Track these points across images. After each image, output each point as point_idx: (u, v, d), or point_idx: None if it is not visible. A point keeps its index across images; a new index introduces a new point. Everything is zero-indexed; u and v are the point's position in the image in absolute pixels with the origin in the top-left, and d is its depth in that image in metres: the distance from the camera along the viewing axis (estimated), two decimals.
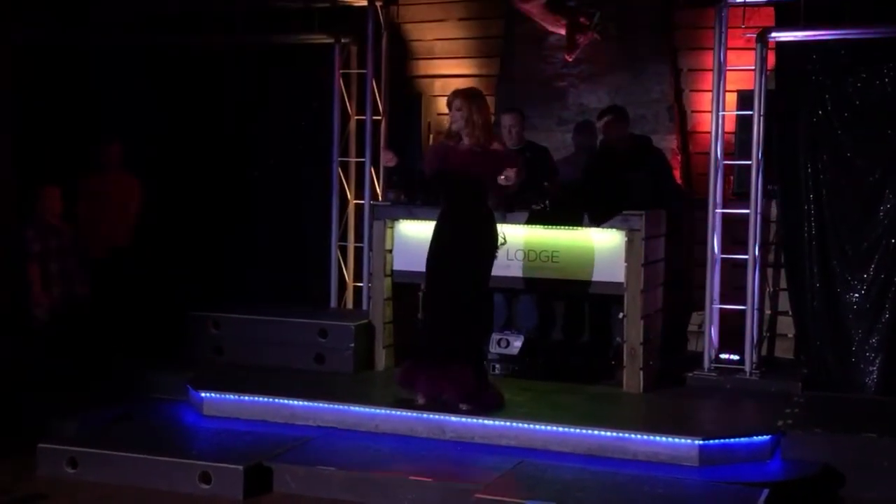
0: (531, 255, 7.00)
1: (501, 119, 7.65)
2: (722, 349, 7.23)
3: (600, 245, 6.87)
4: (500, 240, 6.85)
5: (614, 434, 5.93)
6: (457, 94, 6.36)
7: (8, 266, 7.54)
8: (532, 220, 6.95)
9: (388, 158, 6.51)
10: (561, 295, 7.43)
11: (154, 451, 5.82)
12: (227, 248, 8.78)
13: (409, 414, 6.27)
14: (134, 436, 6.20)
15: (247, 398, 6.63)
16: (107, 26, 8.83)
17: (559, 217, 6.89)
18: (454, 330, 6.28)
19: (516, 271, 7.02)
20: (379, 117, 8.24)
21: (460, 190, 6.30)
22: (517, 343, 7.19)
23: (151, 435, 6.25)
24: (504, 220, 6.87)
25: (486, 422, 6.14)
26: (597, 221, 6.78)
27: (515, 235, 6.99)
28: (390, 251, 7.22)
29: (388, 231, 7.21)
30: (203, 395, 6.71)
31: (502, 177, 6.17)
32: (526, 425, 6.09)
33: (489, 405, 6.30)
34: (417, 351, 6.62)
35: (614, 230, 6.78)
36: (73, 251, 7.75)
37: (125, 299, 8.04)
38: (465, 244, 6.29)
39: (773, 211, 7.58)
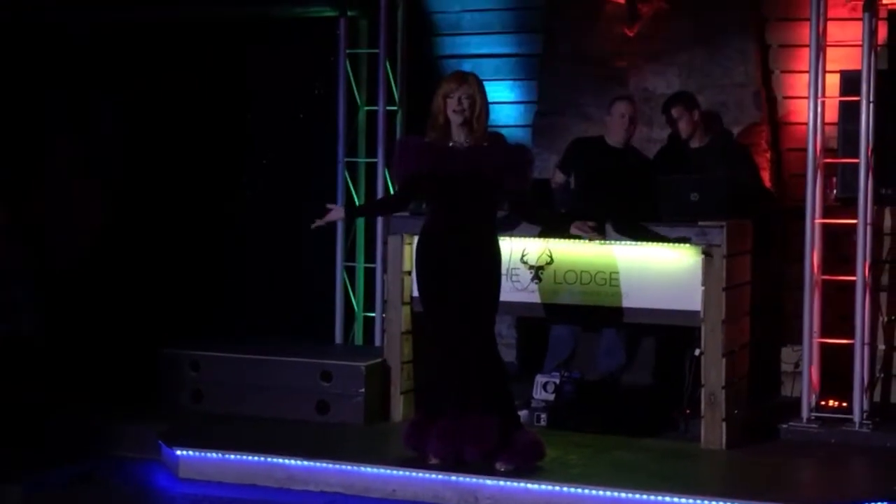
0: (584, 278, 6.99)
1: (613, 109, 7.59)
2: (824, 394, 7.19)
3: (671, 265, 6.85)
4: (546, 259, 6.87)
5: (690, 500, 5.92)
6: (464, 77, 6.24)
7: None
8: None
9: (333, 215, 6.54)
10: (621, 327, 7.40)
11: None
12: (210, 269, 8.85)
13: (434, 476, 6.25)
14: (94, 503, 6.23)
15: (232, 457, 6.65)
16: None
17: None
18: (470, 372, 6.23)
19: (566, 298, 7.03)
20: (395, 107, 8.29)
21: (466, 199, 6.21)
22: (569, 388, 7.24)
23: (115, 502, 6.27)
24: (547, 235, 6.89)
25: (530, 486, 6.11)
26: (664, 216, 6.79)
27: (565, 253, 6.99)
28: (409, 273, 7.19)
29: (407, 248, 7.20)
30: (178, 452, 6.74)
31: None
32: (580, 490, 6.06)
33: (526, 454, 6.26)
34: (425, 402, 6.66)
35: (688, 246, 6.76)
36: (21, 275, 7.78)
37: (86, 332, 8.07)
38: (475, 263, 6.22)
39: (887, 221, 7.57)
